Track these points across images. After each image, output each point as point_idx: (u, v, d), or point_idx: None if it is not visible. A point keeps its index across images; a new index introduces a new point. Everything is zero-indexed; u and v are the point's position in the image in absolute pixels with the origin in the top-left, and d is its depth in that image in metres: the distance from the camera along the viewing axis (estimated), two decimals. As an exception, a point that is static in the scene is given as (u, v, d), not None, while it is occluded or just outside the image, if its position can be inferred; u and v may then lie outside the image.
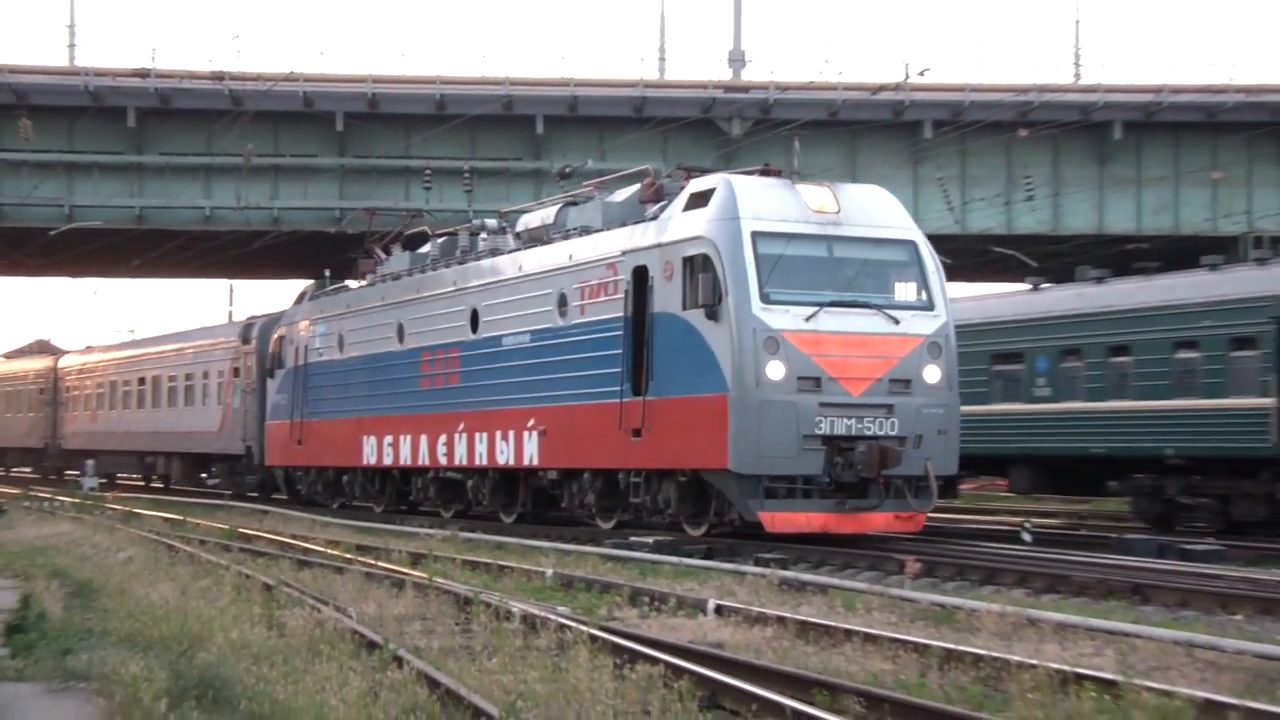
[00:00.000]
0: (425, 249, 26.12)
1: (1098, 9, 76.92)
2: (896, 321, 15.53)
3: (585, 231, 19.16)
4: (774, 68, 34.31)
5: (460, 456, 21.85)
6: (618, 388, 17.02)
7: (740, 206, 15.42)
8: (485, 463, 21.08)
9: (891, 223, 16.32)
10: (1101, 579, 12.64)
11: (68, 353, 45.88)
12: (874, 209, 16.36)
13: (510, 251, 21.40)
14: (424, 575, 13.12)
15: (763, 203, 15.61)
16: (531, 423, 19.54)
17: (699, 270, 15.51)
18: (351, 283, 29.07)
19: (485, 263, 22.05)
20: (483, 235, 23.78)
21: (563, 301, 18.86)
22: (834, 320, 15.17)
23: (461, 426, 21.89)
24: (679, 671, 7.59)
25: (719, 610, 10.83)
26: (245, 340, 31.70)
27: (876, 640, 9.04)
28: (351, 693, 7.00)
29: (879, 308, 15.56)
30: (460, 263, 23.23)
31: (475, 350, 21.68)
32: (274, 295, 57.01)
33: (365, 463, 25.56)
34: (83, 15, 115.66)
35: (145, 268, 41.46)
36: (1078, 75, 38.84)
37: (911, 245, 16.29)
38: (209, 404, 33.32)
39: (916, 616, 10.53)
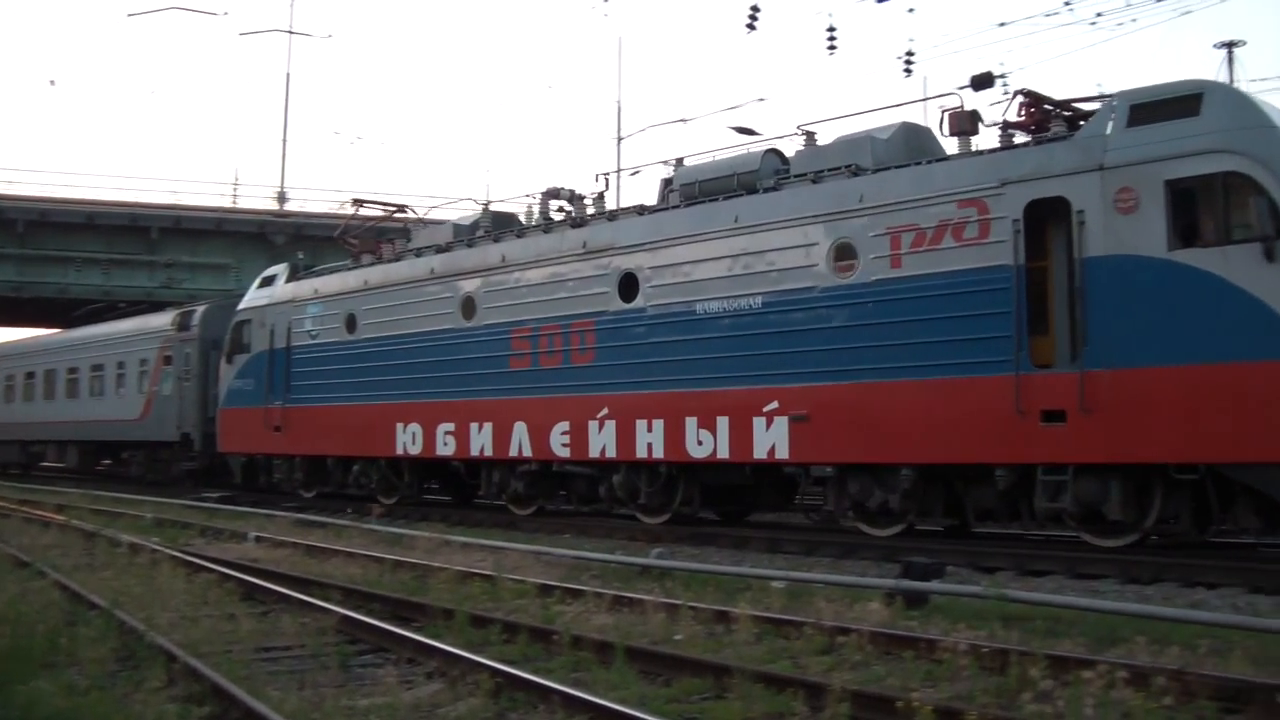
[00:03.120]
0: (467, 222, 19.86)
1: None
2: None
3: (858, 172, 13.73)
4: (304, 201, 46.59)
5: (602, 447, 15.80)
6: (1003, 358, 11.72)
7: (1266, 112, 10.64)
8: (659, 455, 15.12)
9: None
10: (490, 518, 17.48)
11: None
12: None
13: (694, 203, 15.53)
14: (64, 518, 16.94)
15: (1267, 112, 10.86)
16: (773, 406, 13.82)
17: (1213, 195, 10.53)
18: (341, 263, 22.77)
19: (650, 218, 16.05)
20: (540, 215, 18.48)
21: (845, 254, 13.34)
22: None
23: (603, 412, 15.82)
24: (227, 577, 10.68)
25: (257, 539, 14.75)
26: (183, 328, 26.69)
27: (354, 556, 12.61)
28: (6, 595, 9.09)
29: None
30: (578, 223, 17.14)
31: (632, 322, 15.70)
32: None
33: (400, 452, 19.20)
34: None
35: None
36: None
37: None
38: (126, 393, 28.27)
39: (380, 540, 14.57)
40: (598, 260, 16.36)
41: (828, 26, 26.71)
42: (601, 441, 15.98)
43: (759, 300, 14.18)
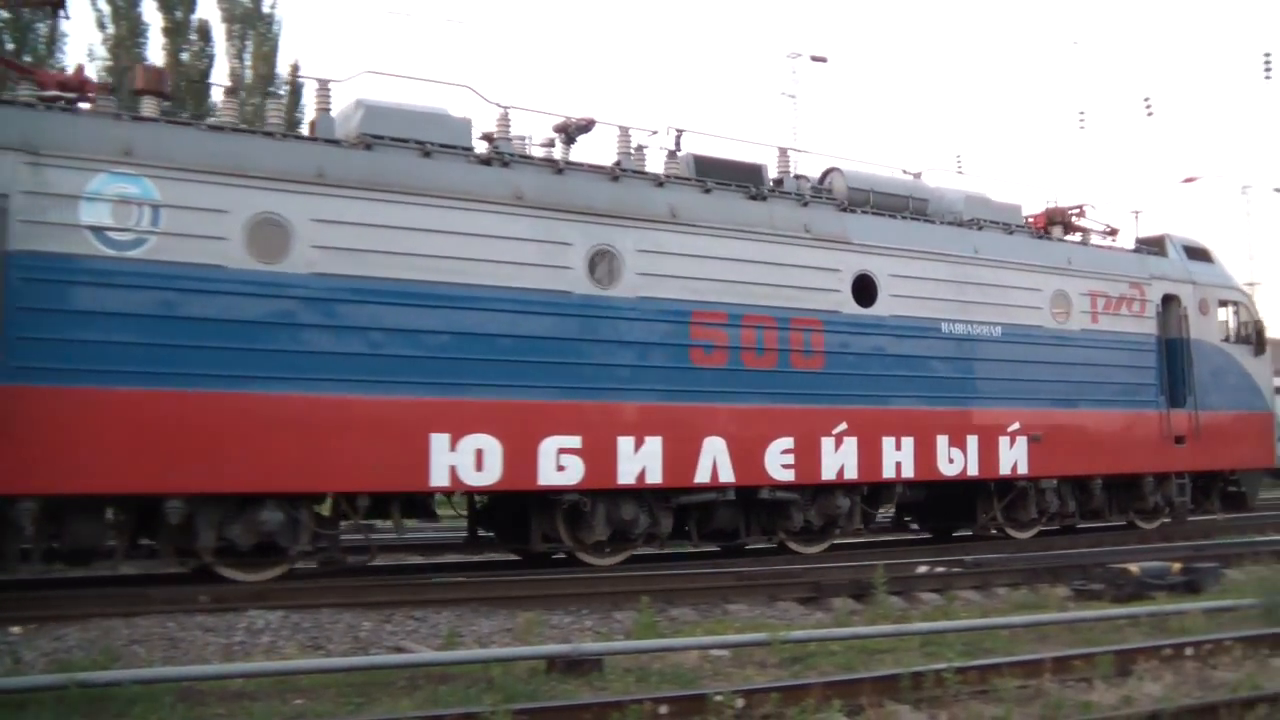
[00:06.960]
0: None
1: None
2: None
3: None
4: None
5: (839, 467, 13.54)
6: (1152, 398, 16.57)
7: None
8: (909, 475, 14.02)
9: None
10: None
11: None
12: None
13: (918, 219, 14.72)
14: None
15: None
16: (1015, 426, 15.09)
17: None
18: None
19: (889, 223, 14.38)
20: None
21: (1060, 303, 15.75)
22: None
23: (841, 427, 13.70)
24: None
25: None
26: None
27: None
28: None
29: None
30: (761, 196, 13.64)
31: (872, 330, 14.04)
32: None
33: (440, 483, 11.43)
34: None
35: None
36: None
37: None
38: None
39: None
40: (826, 251, 13.65)
41: None
42: (839, 461, 13.52)
43: (998, 330, 15.09)
